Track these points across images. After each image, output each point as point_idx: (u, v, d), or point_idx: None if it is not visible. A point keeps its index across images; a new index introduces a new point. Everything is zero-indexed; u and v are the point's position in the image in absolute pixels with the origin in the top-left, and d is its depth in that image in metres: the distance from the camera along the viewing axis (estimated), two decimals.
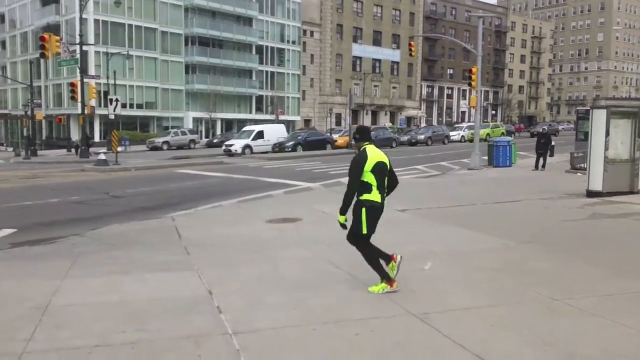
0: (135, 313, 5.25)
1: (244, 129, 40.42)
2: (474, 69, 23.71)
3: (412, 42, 31.24)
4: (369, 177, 5.53)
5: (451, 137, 46.47)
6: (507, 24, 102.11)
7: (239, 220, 10.67)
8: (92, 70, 49.19)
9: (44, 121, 53.87)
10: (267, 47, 67.79)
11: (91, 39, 50.18)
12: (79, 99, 33.25)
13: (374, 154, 5.61)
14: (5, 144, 60.94)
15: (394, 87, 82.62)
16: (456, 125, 56.16)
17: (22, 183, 19.64)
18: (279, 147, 35.13)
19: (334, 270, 6.74)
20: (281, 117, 60.81)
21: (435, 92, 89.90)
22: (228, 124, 63.85)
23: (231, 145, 35.94)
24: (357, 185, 5.54)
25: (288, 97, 70.24)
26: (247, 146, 35.54)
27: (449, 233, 9.10)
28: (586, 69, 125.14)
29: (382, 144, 32.04)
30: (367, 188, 5.54)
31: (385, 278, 5.71)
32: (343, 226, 5.69)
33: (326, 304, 5.43)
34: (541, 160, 20.39)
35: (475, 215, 10.89)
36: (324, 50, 74.44)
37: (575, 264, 6.95)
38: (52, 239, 9.21)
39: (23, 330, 4.79)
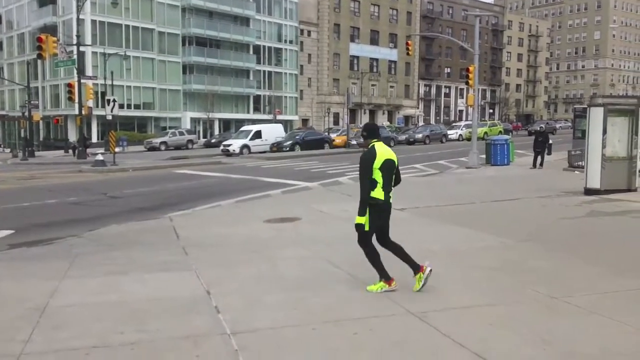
0: (133, 313, 5.24)
1: (242, 128, 40.38)
2: (471, 68, 23.73)
3: (409, 41, 31.19)
4: (376, 175, 5.50)
5: (449, 136, 46.50)
6: (504, 23, 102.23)
7: (237, 220, 10.66)
8: (89, 71, 49.12)
9: (41, 122, 53.80)
10: (264, 47, 67.76)
11: (88, 39, 50.10)
12: (77, 100, 33.23)
13: (383, 152, 5.58)
14: (2, 145, 60.95)
15: (391, 86, 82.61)
16: (454, 124, 56.19)
17: (19, 184, 19.61)
18: (276, 147, 35.11)
19: (333, 269, 6.74)
20: (279, 117, 60.86)
21: (433, 91, 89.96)
22: (226, 124, 63.80)
23: (229, 145, 35.92)
24: (368, 184, 5.50)
25: (286, 97, 70.22)
26: (245, 146, 35.52)
27: (447, 232, 9.12)
28: (583, 67, 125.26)
29: None
30: (373, 185, 5.52)
31: (384, 277, 5.70)
32: (361, 226, 5.53)
33: (325, 304, 5.43)
34: (539, 158, 20.40)
35: (474, 214, 10.90)
36: (322, 50, 74.43)
37: (573, 262, 6.95)
38: (50, 240, 9.18)
39: (21, 331, 4.78)
